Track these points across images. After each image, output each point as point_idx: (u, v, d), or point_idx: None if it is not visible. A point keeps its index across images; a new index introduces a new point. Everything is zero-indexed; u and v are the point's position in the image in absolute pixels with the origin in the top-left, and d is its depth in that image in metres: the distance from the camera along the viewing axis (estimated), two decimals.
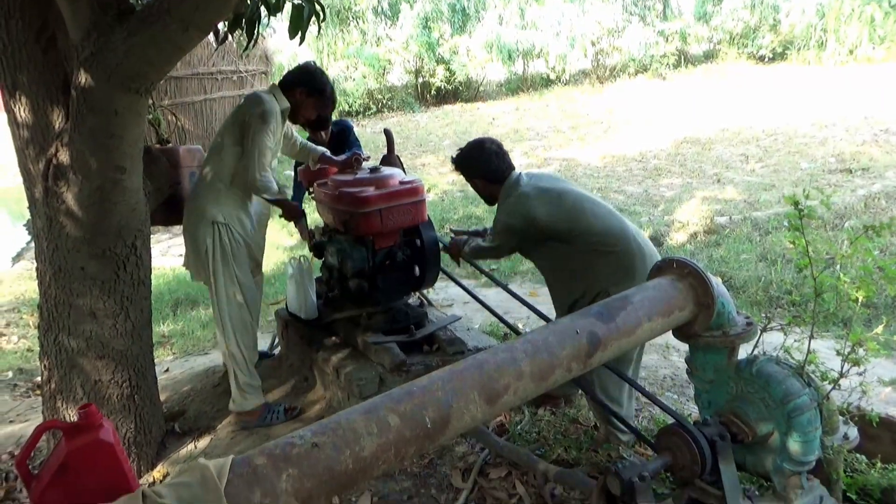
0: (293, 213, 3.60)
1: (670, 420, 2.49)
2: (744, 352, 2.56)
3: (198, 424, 3.55)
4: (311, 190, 3.74)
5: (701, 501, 2.49)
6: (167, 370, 4.56)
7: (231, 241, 3.31)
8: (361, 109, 17.17)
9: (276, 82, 3.48)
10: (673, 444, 2.36)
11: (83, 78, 2.55)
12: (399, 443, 1.72)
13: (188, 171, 3.55)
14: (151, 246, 3.25)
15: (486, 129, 13.77)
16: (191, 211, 3.33)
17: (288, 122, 3.57)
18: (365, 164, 3.49)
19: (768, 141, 9.86)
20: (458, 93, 18.41)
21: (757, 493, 2.58)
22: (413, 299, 3.74)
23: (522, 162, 10.64)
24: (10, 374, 5.00)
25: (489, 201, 3.28)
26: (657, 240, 6.58)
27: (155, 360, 4.71)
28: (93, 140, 2.67)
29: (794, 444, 2.35)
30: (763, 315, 2.75)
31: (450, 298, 5.58)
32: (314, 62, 3.60)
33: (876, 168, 7.89)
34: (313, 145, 3.83)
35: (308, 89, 3.41)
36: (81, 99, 2.59)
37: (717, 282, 2.42)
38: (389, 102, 17.78)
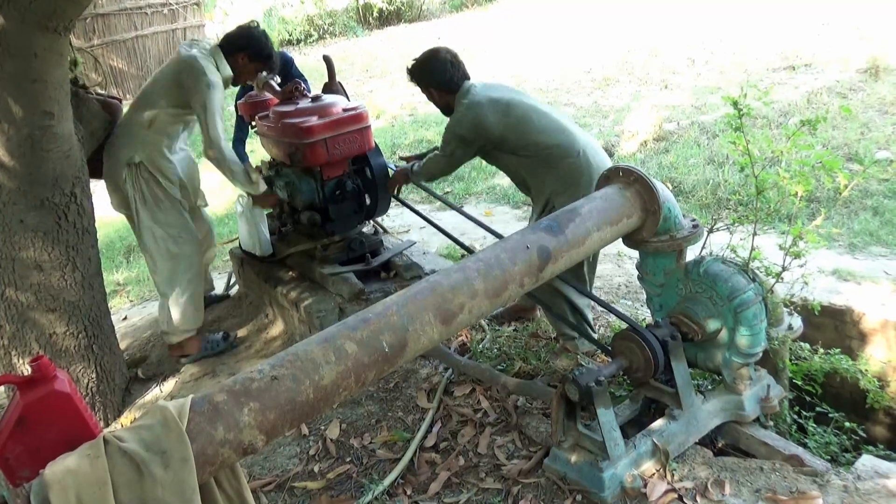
0: (270, 202, 3.60)
1: (625, 326, 2.57)
2: (693, 255, 2.64)
3: (161, 369, 3.55)
4: (253, 124, 3.65)
5: (656, 400, 2.61)
6: (125, 318, 4.51)
7: (150, 182, 3.29)
8: (302, 37, 16.56)
9: (218, 44, 3.33)
10: (627, 347, 2.45)
11: None
12: (358, 369, 1.75)
13: None
14: (95, 193, 3.17)
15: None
16: (108, 155, 3.30)
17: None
18: (307, 94, 3.40)
19: (714, 43, 9.85)
20: (400, 13, 17.87)
21: (709, 387, 2.71)
22: (368, 228, 3.73)
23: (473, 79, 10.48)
24: None
25: (445, 112, 3.23)
26: (609, 150, 6.60)
27: (112, 309, 4.67)
28: (15, 86, 2.54)
29: (741, 338, 2.45)
30: (711, 217, 2.81)
31: (406, 225, 5.57)
32: (257, 23, 3.46)
33: (818, 63, 7.97)
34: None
35: (251, 55, 3.31)
36: None
37: (662, 187, 2.46)
38: (331, 28, 17.18)
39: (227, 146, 3.25)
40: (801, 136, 2.47)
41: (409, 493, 2.45)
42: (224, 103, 3.32)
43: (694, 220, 2.62)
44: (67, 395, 1.72)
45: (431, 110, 9.52)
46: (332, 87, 3.65)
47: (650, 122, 6.97)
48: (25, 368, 2.95)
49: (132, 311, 4.66)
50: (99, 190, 3.29)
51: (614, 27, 12.34)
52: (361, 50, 14.66)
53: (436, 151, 3.23)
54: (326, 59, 3.69)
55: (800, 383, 2.94)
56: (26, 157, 2.62)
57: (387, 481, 2.46)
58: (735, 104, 2.34)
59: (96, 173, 3.23)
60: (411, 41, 14.63)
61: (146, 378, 3.48)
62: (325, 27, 17.18)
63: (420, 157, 3.50)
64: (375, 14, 17.75)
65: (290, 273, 3.60)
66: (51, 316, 2.89)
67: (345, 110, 3.18)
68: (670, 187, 5.50)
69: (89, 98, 3.10)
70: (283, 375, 1.65)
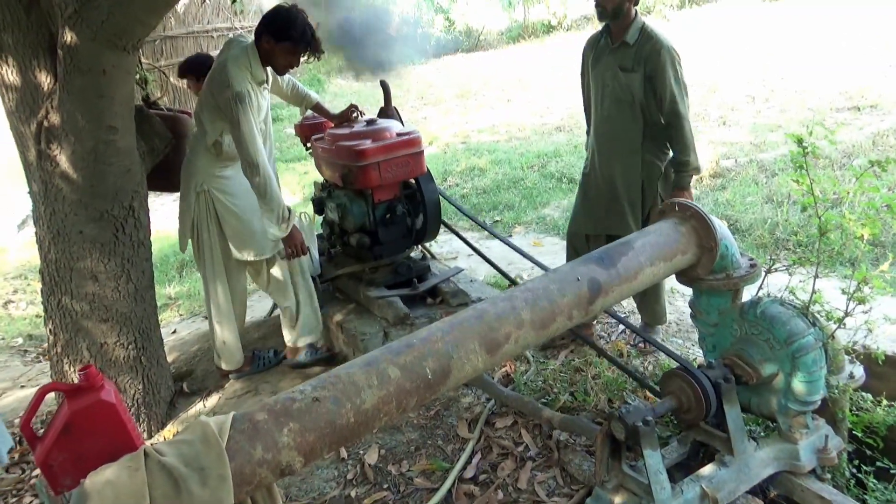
0: (296, 250, 3.24)
1: (675, 365, 2.49)
2: (749, 295, 2.54)
3: (206, 384, 3.58)
4: (308, 145, 3.70)
5: (706, 444, 2.51)
6: (174, 331, 4.58)
7: (216, 206, 3.22)
8: None
9: (252, 40, 3.18)
10: (677, 387, 2.36)
11: (68, 36, 2.50)
12: (400, 394, 1.72)
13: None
14: (153, 209, 3.23)
15: (487, 79, 13.55)
16: (182, 180, 3.27)
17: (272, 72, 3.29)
18: (362, 118, 3.43)
19: (775, 81, 9.67)
20: (458, 43, 18.08)
21: (763, 433, 2.60)
22: (416, 253, 3.72)
23: (526, 110, 10.49)
24: (21, 340, 5.04)
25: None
26: None
27: (162, 322, 4.76)
28: (82, 100, 2.63)
29: (798, 385, 2.34)
30: (769, 257, 2.72)
31: (454, 251, 5.55)
32: (287, 2, 3.18)
33: (884, 104, 7.73)
34: (307, 90, 3.63)
35: (275, 34, 3.03)
36: (68, 58, 2.54)
37: (719, 224, 2.39)
38: (390, 56, 17.48)
39: (269, 171, 3.06)
40: (869, 177, 2.38)
41: None
42: (262, 110, 3.16)
43: (752, 259, 2.54)
44: (113, 405, 1.73)
45: (484, 139, 9.58)
46: (387, 111, 3.68)
47: (707, 157, 6.84)
48: (76, 377, 3.01)
49: (181, 325, 4.74)
50: (155, 204, 3.37)
51: None
52: (417, 77, 14.85)
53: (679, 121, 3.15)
54: (383, 84, 3.73)
55: (860, 435, 2.80)
56: (89, 170, 2.69)
57: None
58: (800, 141, 2.27)
59: (155, 187, 3.31)
60: (467, 71, 14.78)
61: (191, 392, 3.52)
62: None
63: None
64: (433, 42, 18.00)
65: (338, 294, 3.61)
66: (103, 326, 2.95)
67: (399, 135, 3.20)
68: (726, 225, 5.39)
69: (152, 115, 3.19)
70: (324, 397, 1.63)
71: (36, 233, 2.93)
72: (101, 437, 1.69)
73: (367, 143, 3.10)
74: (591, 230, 3.42)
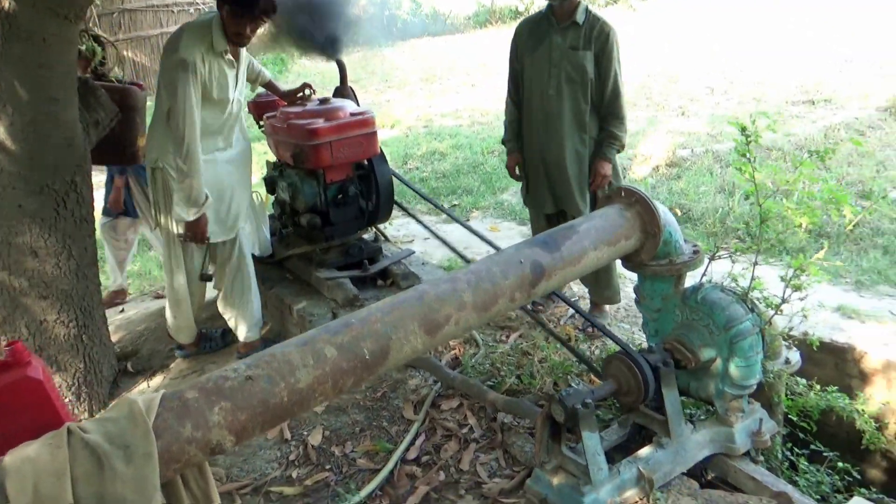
0: (196, 237, 3.05)
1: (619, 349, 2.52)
2: (694, 281, 2.59)
3: (151, 364, 3.53)
4: (261, 123, 3.64)
5: (645, 426, 2.56)
6: (122, 310, 4.49)
7: (171, 185, 3.06)
8: None
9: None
10: (618, 370, 2.40)
11: (7, 2, 2.42)
12: (336, 374, 1.71)
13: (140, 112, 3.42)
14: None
15: (453, 63, 13.49)
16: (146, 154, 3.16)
17: (244, 53, 3.15)
18: (314, 97, 3.39)
19: (735, 73, 9.81)
20: (425, 26, 17.95)
21: (703, 417, 2.65)
22: (369, 235, 3.70)
23: (490, 95, 10.48)
24: None
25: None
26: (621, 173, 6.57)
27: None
28: (22, 69, 2.55)
29: (735, 369, 2.40)
30: (715, 245, 2.77)
31: (410, 235, 5.54)
32: None
33: (838, 99, 7.90)
34: (260, 67, 3.49)
35: (231, 2, 2.86)
36: (7, 25, 2.46)
37: (664, 210, 2.42)
38: (354, 37, 17.29)
39: (197, 151, 2.87)
40: (810, 166, 2.43)
41: None
42: (224, 86, 2.99)
43: (695, 245, 2.58)
44: (39, 381, 1.69)
45: (446, 123, 9.56)
46: (343, 91, 3.64)
47: (664, 147, 6.93)
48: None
49: (129, 305, 4.65)
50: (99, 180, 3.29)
51: (635, 52, 12.33)
52: (382, 60, 14.73)
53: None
54: (339, 63, 3.69)
55: (795, 419, 2.88)
56: (28, 142, 2.61)
57: (364, 492, 2.42)
58: (743, 130, 2.30)
59: (102, 160, 3.22)
60: (433, 54, 14.70)
61: (135, 372, 3.46)
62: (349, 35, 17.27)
63: None
64: (399, 25, 17.84)
65: (288, 275, 3.58)
66: (43, 303, 2.88)
67: (352, 115, 3.16)
68: (679, 214, 5.44)
69: (97, 87, 3.10)
70: (258, 376, 1.62)
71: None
72: (27, 414, 1.65)
73: (320, 123, 3.06)
74: (550, 209, 3.49)
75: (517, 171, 3.56)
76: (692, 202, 5.50)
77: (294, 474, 2.61)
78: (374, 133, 3.21)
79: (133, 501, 1.40)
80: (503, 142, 3.58)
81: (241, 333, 3.32)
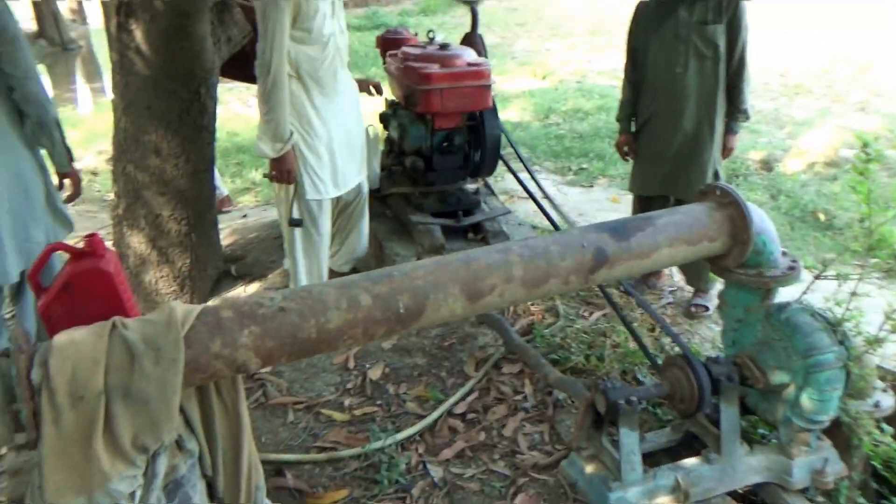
0: (281, 176, 2.90)
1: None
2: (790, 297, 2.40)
3: (252, 271, 3.77)
4: (385, 60, 3.69)
5: (698, 436, 2.44)
6: (245, 215, 4.81)
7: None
8: None
9: None
10: (674, 375, 2.30)
11: None
12: (368, 322, 1.76)
13: None
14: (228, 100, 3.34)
15: (625, 19, 12.90)
16: None
17: None
18: (437, 39, 3.37)
19: None
20: None
21: (773, 441, 2.50)
22: (473, 186, 3.70)
23: None
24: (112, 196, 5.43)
25: None
26: (768, 164, 6.10)
27: (239, 205, 5.01)
28: None
29: (807, 400, 2.23)
30: (857, 264, 2.52)
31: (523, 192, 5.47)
32: None
33: None
34: None
35: None
36: None
37: (761, 218, 2.25)
38: None
39: (283, 81, 2.71)
40: None
41: (420, 451, 2.48)
42: (319, 12, 2.75)
43: (794, 260, 2.38)
44: (109, 274, 1.86)
45: (600, 81, 9.20)
46: (471, 38, 3.60)
47: (827, 143, 6.34)
48: (134, 241, 3.23)
49: (253, 211, 4.97)
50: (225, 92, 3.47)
51: (829, 31, 11.19)
52: (556, 6, 14.32)
53: None
54: (472, 9, 3.64)
55: (878, 467, 2.64)
56: (161, 50, 2.82)
57: (402, 434, 2.50)
58: (865, 145, 2.07)
59: (230, 75, 3.41)
60: (608, 8, 14.10)
61: (237, 276, 3.72)
62: None
63: None
64: None
65: (387, 212, 3.67)
66: (160, 199, 3.14)
67: (469, 64, 3.14)
68: (822, 219, 5.01)
69: (234, 5, 3.26)
70: (290, 309, 1.69)
71: (112, 100, 3.12)
72: (96, 301, 1.83)
73: (434, 68, 3.06)
74: (658, 191, 3.41)
75: (625, 151, 3.55)
76: (838, 210, 5.03)
77: (346, 402, 2.74)
78: (488, 86, 3.17)
79: (154, 400, 1.54)
80: (617, 119, 3.54)
81: (334, 263, 3.47)
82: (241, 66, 3.39)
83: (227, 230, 3.98)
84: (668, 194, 3.40)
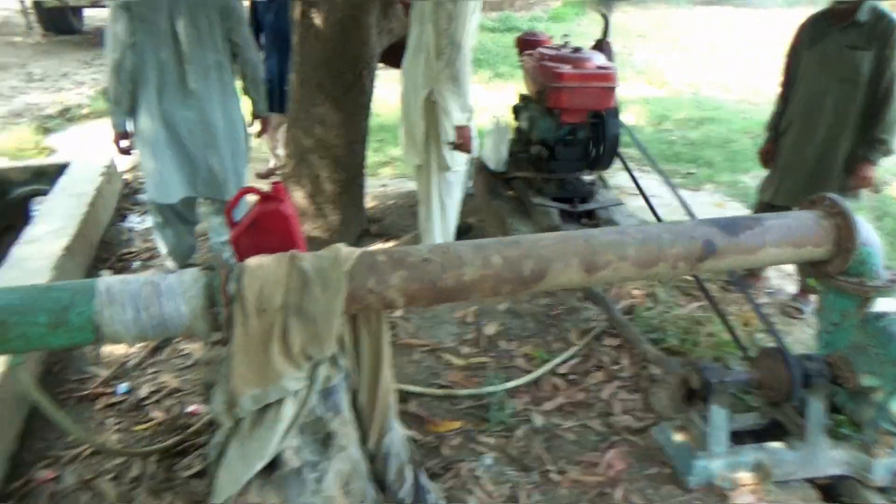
0: (466, 144, 3.06)
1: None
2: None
3: (389, 232, 3.95)
4: (521, 59, 3.74)
5: (783, 425, 2.38)
6: (385, 185, 5.01)
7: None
8: None
9: None
10: (768, 365, 2.26)
11: None
12: (497, 279, 1.85)
13: None
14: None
15: (744, 36, 12.25)
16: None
17: None
18: (569, 45, 3.39)
19: None
20: None
21: (856, 440, 2.40)
22: (591, 177, 3.70)
23: (770, 78, 9.42)
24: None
25: None
26: (877, 187, 5.66)
27: (378, 175, 5.21)
28: None
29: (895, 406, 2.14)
30: None
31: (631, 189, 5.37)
32: None
33: None
34: None
35: None
36: None
37: (867, 230, 2.16)
38: None
39: (469, 60, 2.90)
40: None
41: (525, 400, 2.56)
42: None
43: (895, 274, 2.27)
44: (288, 217, 2.05)
45: (714, 94, 8.81)
46: (601, 45, 3.59)
47: None
48: (299, 195, 3.45)
49: (392, 182, 5.16)
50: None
51: None
52: (678, 20, 13.76)
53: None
54: (605, 18, 3.62)
55: None
56: (334, 37, 3.00)
57: (511, 383, 2.59)
58: None
59: (387, 62, 3.56)
60: (729, 23, 13.43)
61: (375, 235, 3.90)
62: None
63: None
64: None
65: (511, 192, 3.73)
66: (321, 162, 3.34)
67: (598, 67, 3.14)
68: (872, 230, 4.62)
69: (395, 1, 3.39)
70: (433, 261, 1.81)
71: (290, 77, 3.34)
72: (276, 237, 2.02)
73: (566, 68, 3.09)
74: (782, 202, 3.23)
75: (766, 159, 3.41)
76: None
77: (463, 350, 2.86)
78: (613, 88, 3.16)
79: (320, 320, 1.69)
80: (766, 128, 3.42)
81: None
82: (396, 55, 3.53)
83: (370, 195, 4.16)
84: (791, 206, 3.20)
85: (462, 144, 3.09)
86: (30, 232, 3.36)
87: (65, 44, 11.63)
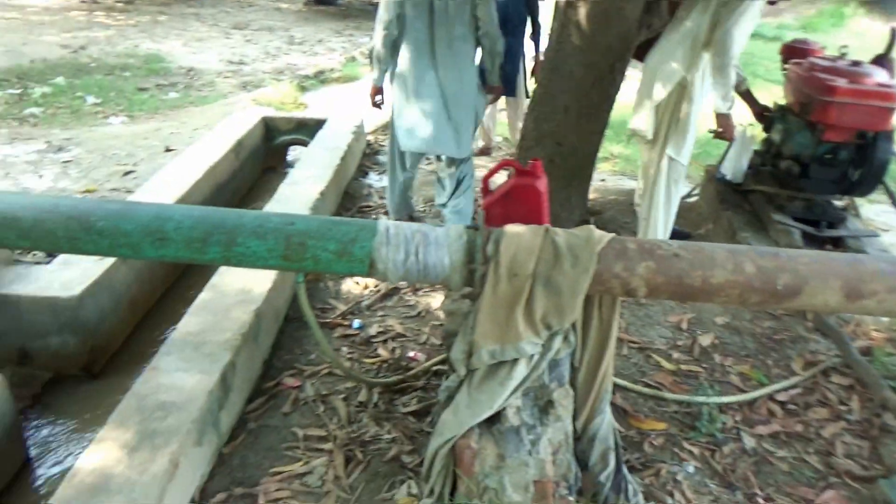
0: (728, 133, 3.20)
1: None
2: None
3: (607, 226, 3.94)
4: (785, 67, 3.51)
5: None
6: (603, 180, 4.99)
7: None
8: None
9: None
10: None
11: None
12: (746, 287, 1.81)
13: None
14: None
15: None
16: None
17: None
18: (847, 58, 3.12)
19: None
20: None
21: None
22: (842, 203, 3.40)
23: None
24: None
25: None
26: None
27: (598, 170, 5.20)
28: None
29: None
30: None
31: (889, 224, 4.80)
32: None
33: None
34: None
35: None
36: None
37: None
38: None
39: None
40: None
41: (737, 419, 2.47)
42: None
43: None
44: (541, 193, 2.16)
45: None
46: (883, 59, 3.25)
47: None
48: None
49: (611, 178, 5.13)
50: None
51: None
52: None
53: None
54: (892, 31, 3.26)
55: None
56: (595, 26, 3.03)
57: (726, 398, 2.51)
58: None
59: (637, 56, 3.54)
60: None
61: (596, 225, 3.91)
62: None
63: None
64: None
65: (745, 205, 3.55)
66: (556, 147, 3.39)
67: (877, 84, 2.86)
68: None
69: None
70: (683, 257, 1.81)
71: (540, 61, 3.44)
72: (525, 210, 2.14)
73: (840, 82, 2.85)
74: None
75: None
76: None
77: (674, 355, 2.81)
78: (891, 109, 2.86)
79: (566, 293, 1.79)
80: None
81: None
82: (643, 49, 3.49)
83: (590, 188, 4.18)
84: None
85: (724, 132, 3.17)
86: (293, 175, 3.86)
87: (322, 13, 12.96)
